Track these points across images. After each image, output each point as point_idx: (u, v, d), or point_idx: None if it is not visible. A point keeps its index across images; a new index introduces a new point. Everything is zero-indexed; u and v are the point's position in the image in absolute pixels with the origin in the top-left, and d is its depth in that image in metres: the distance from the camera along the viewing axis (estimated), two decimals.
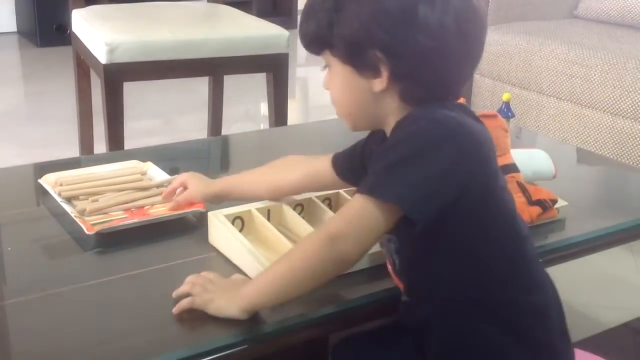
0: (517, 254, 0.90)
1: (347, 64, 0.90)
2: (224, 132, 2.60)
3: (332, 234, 0.85)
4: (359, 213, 0.85)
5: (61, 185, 1.23)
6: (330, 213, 1.13)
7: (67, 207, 1.16)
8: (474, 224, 0.87)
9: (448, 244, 0.87)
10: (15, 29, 4.58)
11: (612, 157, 2.21)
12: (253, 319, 0.91)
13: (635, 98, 2.16)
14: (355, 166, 1.04)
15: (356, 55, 0.88)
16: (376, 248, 1.03)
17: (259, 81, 2.17)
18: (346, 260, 0.86)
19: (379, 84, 0.88)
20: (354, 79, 0.90)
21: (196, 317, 0.92)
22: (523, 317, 0.89)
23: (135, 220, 1.15)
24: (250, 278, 0.97)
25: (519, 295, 0.89)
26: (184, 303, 0.91)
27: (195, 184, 1.18)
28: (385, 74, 0.87)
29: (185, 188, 1.19)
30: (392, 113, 0.90)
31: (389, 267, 0.99)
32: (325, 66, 0.94)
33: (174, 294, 0.93)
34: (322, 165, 1.10)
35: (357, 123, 0.96)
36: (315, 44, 0.93)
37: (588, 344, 1.17)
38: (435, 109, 0.87)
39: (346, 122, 0.96)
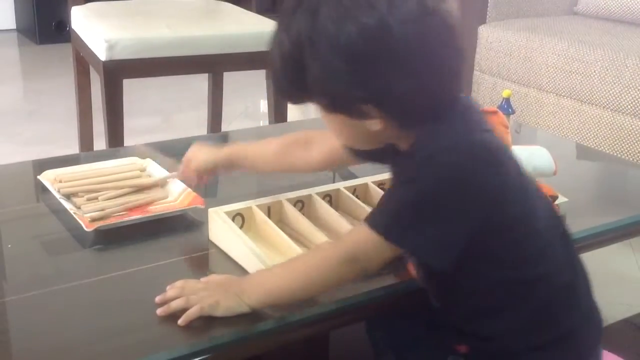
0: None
1: (334, 113, 0.85)
2: (223, 129, 2.60)
3: (353, 254, 0.87)
4: (372, 241, 0.85)
5: (60, 182, 1.23)
6: (330, 210, 1.13)
7: (66, 204, 1.16)
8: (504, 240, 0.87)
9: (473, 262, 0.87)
10: (14, 27, 4.58)
11: (612, 153, 2.21)
12: (253, 316, 0.91)
13: (636, 94, 2.15)
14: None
15: (341, 107, 0.84)
16: None
17: (258, 78, 2.17)
18: (368, 273, 0.90)
19: (375, 125, 0.84)
20: (347, 122, 0.85)
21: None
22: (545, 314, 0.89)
23: (135, 217, 1.15)
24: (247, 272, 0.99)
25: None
26: (176, 304, 0.90)
27: (203, 153, 1.18)
28: (377, 116, 0.83)
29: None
30: (398, 139, 0.88)
31: (412, 271, 1.00)
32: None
33: (159, 299, 0.91)
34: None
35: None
36: (294, 97, 0.89)
37: None
38: (442, 132, 0.84)
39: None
